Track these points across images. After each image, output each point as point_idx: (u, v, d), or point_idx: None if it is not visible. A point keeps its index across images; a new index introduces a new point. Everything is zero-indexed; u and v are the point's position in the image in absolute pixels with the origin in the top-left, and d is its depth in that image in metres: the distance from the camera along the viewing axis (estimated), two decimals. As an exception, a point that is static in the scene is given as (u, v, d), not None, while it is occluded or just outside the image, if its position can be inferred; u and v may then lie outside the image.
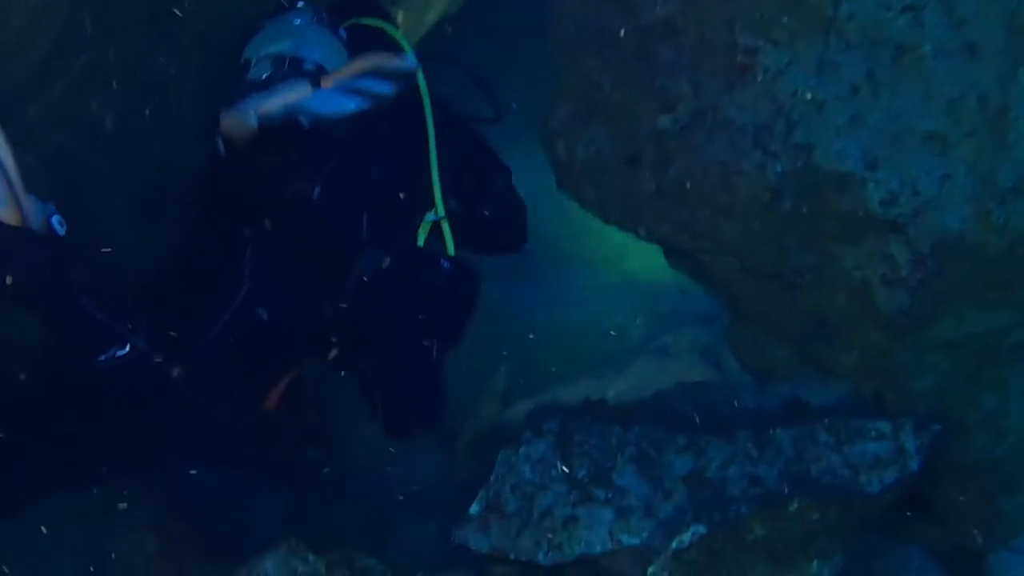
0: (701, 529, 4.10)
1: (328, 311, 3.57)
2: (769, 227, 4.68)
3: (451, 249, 3.88)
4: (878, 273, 4.60)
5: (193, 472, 6.48)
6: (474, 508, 4.45)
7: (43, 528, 5.67)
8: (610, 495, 4.35)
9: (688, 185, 4.71)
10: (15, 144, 3.06)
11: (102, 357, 3.02)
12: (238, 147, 3.38)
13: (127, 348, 3.04)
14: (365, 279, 3.51)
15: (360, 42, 3.87)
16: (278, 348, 3.58)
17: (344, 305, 3.53)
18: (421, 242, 3.86)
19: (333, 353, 3.70)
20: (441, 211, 3.79)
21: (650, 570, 4.12)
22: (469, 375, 7.07)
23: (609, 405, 5.08)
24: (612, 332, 7.97)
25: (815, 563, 4.28)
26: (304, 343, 3.68)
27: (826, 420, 4.57)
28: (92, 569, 5.40)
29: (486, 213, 4.04)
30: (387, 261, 3.53)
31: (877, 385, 4.88)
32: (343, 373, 3.77)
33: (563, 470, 4.40)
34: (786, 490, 4.28)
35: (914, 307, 4.61)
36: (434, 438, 7.06)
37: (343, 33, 3.98)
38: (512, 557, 4.34)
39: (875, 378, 4.88)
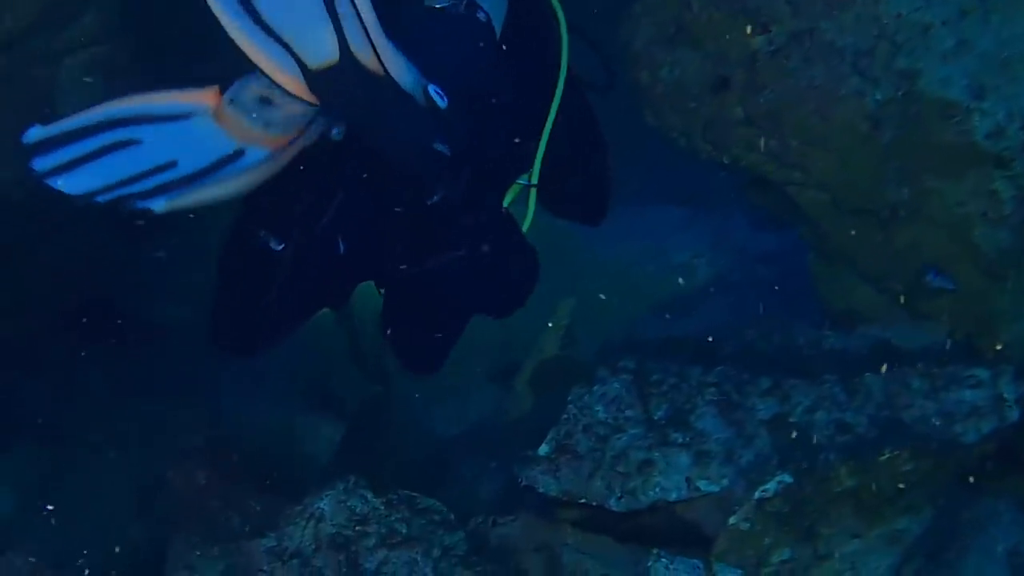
0: (787, 478, 3.87)
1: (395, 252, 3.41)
2: (865, 159, 4.43)
3: (530, 218, 3.67)
4: (979, 210, 4.34)
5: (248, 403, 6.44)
6: (543, 448, 4.25)
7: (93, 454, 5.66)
8: (688, 439, 4.13)
9: (780, 112, 4.46)
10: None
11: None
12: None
13: (282, 247, 3.06)
14: (440, 234, 3.36)
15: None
16: (342, 280, 3.46)
17: (409, 250, 3.37)
18: (507, 203, 3.65)
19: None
20: (535, 179, 3.59)
21: (731, 520, 3.89)
22: (531, 309, 6.93)
23: (687, 344, 4.84)
24: (680, 280, 7.72)
25: (904, 517, 4.04)
26: (365, 276, 3.54)
27: (919, 365, 4.32)
28: (142, 497, 5.35)
29: (575, 187, 3.87)
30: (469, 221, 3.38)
31: (971, 330, 4.62)
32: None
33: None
34: (877, 438, 4.02)
35: (1016, 246, 4.36)
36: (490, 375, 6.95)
37: None
38: (582, 501, 4.14)
39: (970, 322, 4.61)
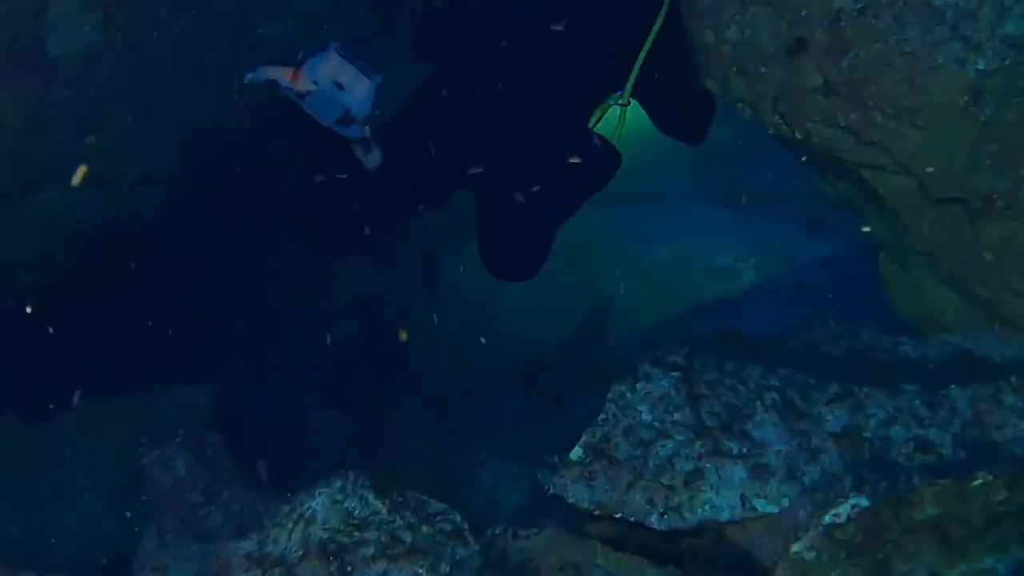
0: (863, 502, 3.31)
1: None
2: (961, 138, 3.93)
3: (620, 136, 3.97)
4: (1087, 204, 3.87)
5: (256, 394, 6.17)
6: (576, 452, 3.78)
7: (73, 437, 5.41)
8: (745, 449, 3.65)
9: (864, 81, 3.99)
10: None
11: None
12: None
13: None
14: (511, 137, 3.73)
15: None
16: (436, 181, 3.84)
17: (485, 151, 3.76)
18: (594, 120, 3.96)
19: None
20: (626, 99, 3.85)
21: (793, 547, 3.33)
22: (568, 305, 6.64)
23: (742, 341, 4.33)
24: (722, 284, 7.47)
25: (991, 555, 3.48)
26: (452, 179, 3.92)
27: (1013, 378, 3.82)
28: (121, 485, 5.18)
29: (673, 106, 4.17)
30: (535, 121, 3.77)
31: (1066, 342, 4.16)
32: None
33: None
34: (965, 461, 3.50)
35: (1125, 249, 3.89)
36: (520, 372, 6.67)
37: None
38: (618, 516, 3.66)
39: (1065, 334, 4.15)
